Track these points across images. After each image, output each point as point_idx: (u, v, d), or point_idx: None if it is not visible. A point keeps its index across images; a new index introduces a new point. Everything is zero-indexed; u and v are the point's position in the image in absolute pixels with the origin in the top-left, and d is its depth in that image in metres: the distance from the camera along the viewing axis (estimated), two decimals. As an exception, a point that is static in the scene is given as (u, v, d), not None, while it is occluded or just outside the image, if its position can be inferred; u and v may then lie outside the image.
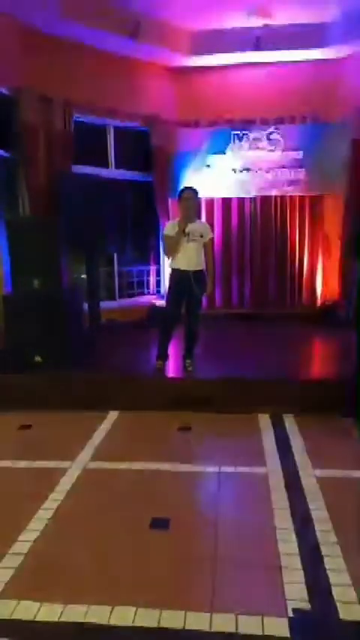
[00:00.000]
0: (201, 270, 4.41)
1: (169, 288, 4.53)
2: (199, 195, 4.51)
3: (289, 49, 6.18)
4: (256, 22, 5.79)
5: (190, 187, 4.44)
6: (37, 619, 1.97)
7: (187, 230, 4.26)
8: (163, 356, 4.56)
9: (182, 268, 4.35)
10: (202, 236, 4.35)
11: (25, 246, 4.54)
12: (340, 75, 6.46)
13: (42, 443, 3.71)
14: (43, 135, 5.66)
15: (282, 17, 5.76)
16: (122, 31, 5.62)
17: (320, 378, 4.60)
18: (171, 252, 4.38)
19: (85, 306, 5.71)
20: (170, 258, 4.45)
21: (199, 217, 6.17)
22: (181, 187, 4.58)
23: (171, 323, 4.51)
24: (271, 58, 6.37)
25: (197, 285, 4.37)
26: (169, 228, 4.39)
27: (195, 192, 4.40)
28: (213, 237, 4.62)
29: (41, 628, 1.93)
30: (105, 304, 6.36)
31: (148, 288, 7.22)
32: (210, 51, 6.29)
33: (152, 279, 7.26)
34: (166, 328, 4.53)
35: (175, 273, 4.41)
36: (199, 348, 4.68)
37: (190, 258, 4.33)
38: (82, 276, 6.38)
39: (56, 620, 1.96)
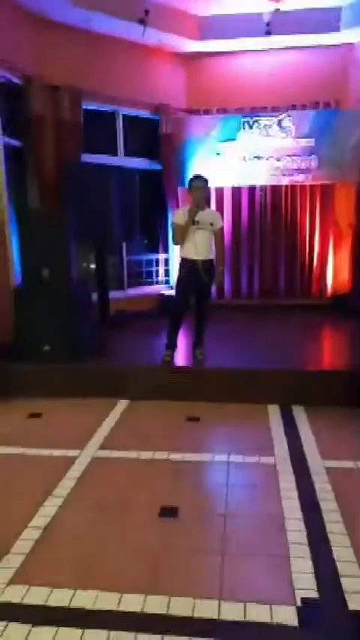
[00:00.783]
0: (210, 260, 4.38)
1: (178, 277, 4.51)
2: (209, 184, 4.47)
3: (300, 34, 6.07)
4: (268, 7, 5.69)
5: (200, 176, 4.40)
6: (47, 604, 2.00)
7: (196, 219, 4.23)
8: (172, 346, 4.54)
9: (191, 257, 4.33)
10: (212, 224, 4.31)
11: (35, 237, 4.54)
12: (352, 61, 6.36)
13: (51, 431, 3.73)
14: (51, 123, 5.63)
15: (293, 2, 5.65)
16: (131, 17, 5.55)
17: (330, 369, 4.57)
18: (179, 240, 4.35)
19: (94, 295, 5.71)
20: (179, 247, 4.42)
21: (209, 206, 6.13)
22: (191, 176, 4.55)
23: (180, 312, 4.49)
24: (282, 43, 6.27)
25: (206, 274, 4.35)
26: (178, 216, 4.36)
27: (205, 180, 4.36)
28: (223, 226, 4.58)
29: (52, 613, 1.95)
30: (114, 294, 6.36)
31: (157, 277, 7.21)
32: (220, 37, 6.21)
33: (161, 269, 7.24)
34: (175, 318, 4.50)
35: (184, 262, 4.39)
36: (209, 338, 4.67)
37: (199, 247, 4.30)
38: (91, 265, 6.38)
39: (66, 605, 1.99)
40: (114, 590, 2.05)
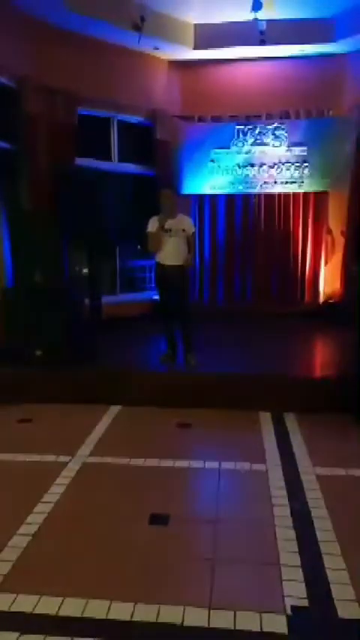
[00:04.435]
0: (181, 265, 4.44)
1: (155, 281, 4.73)
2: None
3: (294, 43, 6.13)
4: (261, 16, 5.73)
5: (168, 185, 4.56)
6: (35, 612, 1.98)
7: (166, 226, 4.32)
8: (170, 346, 4.66)
9: (162, 262, 4.46)
10: (184, 230, 4.41)
11: (27, 240, 4.53)
12: (346, 70, 6.42)
13: (42, 437, 3.71)
14: (46, 127, 5.63)
15: (287, 11, 5.71)
16: (127, 23, 5.58)
17: (322, 376, 4.58)
18: (152, 248, 4.46)
19: (87, 300, 5.69)
20: (153, 252, 4.51)
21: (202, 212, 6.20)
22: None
23: (167, 313, 4.62)
24: (276, 52, 6.32)
25: (177, 277, 4.43)
26: (150, 224, 4.43)
27: (172, 189, 4.56)
28: (195, 231, 4.71)
29: (40, 621, 1.93)
30: (106, 299, 6.35)
31: (150, 283, 7.20)
32: (215, 45, 6.25)
33: (153, 274, 7.22)
34: (165, 318, 4.64)
35: (157, 267, 4.55)
36: (201, 343, 4.67)
37: (170, 252, 4.40)
38: (84, 270, 6.36)
39: (54, 613, 1.96)
40: (103, 598, 2.03)
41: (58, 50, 5.61)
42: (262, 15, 5.62)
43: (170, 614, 1.95)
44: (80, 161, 6.03)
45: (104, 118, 6.40)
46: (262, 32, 5.80)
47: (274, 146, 6.56)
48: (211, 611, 1.96)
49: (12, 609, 1.99)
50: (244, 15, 5.78)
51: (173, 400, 4.17)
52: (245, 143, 6.58)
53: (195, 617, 1.93)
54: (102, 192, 5.68)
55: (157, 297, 6.57)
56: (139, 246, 7.13)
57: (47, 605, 2.00)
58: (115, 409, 4.17)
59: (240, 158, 6.63)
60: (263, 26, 5.70)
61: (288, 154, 6.56)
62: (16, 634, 1.86)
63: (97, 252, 6.06)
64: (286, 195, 6.79)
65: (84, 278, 6.26)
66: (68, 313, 4.62)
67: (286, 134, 6.52)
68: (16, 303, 4.57)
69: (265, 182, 6.67)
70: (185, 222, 4.50)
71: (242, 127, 6.57)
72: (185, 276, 4.57)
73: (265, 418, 3.98)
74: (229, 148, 6.61)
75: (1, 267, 5.08)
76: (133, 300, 6.85)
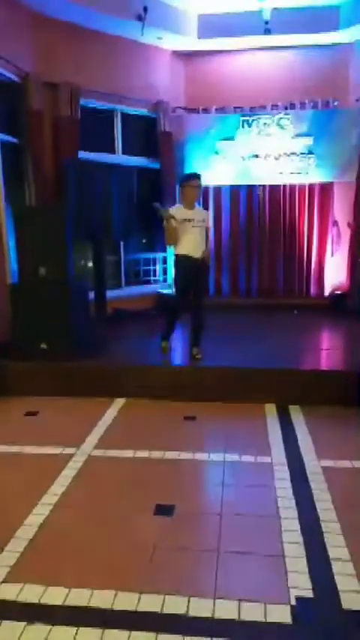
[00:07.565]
0: (203, 256, 4.43)
1: (177, 275, 4.49)
2: (210, 184, 4.52)
3: (300, 33, 6.06)
4: (266, 5, 5.67)
5: (198, 174, 4.46)
6: (41, 602, 2.00)
7: (189, 217, 4.27)
8: (168, 337, 4.66)
9: (189, 254, 4.32)
10: (203, 221, 4.39)
11: (32, 234, 4.53)
12: (352, 59, 6.35)
13: (48, 429, 3.73)
14: (49, 121, 5.63)
15: (293, 0, 5.64)
16: (130, 14, 5.54)
17: (327, 368, 4.57)
18: (172, 238, 4.33)
19: (92, 294, 5.69)
20: (172, 245, 4.42)
21: (206, 204, 6.18)
22: (187, 173, 4.59)
23: (178, 310, 4.56)
24: (281, 42, 6.26)
25: (201, 269, 4.42)
26: (173, 211, 4.34)
27: (200, 179, 4.43)
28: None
29: (45, 611, 1.95)
30: (111, 292, 6.36)
31: (154, 276, 7.20)
32: (219, 35, 6.20)
33: (158, 267, 7.23)
34: (173, 315, 4.59)
35: (183, 259, 4.34)
36: (206, 336, 4.66)
37: (196, 243, 4.32)
38: (89, 263, 6.37)
39: (60, 603, 1.98)
40: (109, 588, 2.05)
41: (62, 43, 5.59)
42: (266, 4, 5.57)
43: (175, 604, 1.96)
44: (84, 154, 6.02)
45: (108, 111, 6.38)
46: (266, 22, 5.75)
47: (279, 137, 6.51)
48: (216, 602, 1.97)
49: (19, 599, 2.01)
50: (249, 4, 5.73)
51: (178, 393, 4.18)
52: (250, 134, 6.54)
53: (200, 607, 1.94)
54: (106, 185, 5.67)
55: (167, 290, 6.62)
56: (144, 240, 7.13)
57: (53, 596, 2.02)
58: (119, 402, 4.19)
59: (245, 149, 6.59)
60: (268, 15, 5.65)
61: (293, 144, 6.51)
62: (23, 623, 1.89)
63: (101, 246, 6.06)
64: (292, 187, 6.75)
65: (89, 272, 6.27)
66: (73, 307, 4.62)
67: (291, 125, 6.47)
68: (21, 297, 4.58)
69: (270, 173, 6.62)
70: (204, 214, 4.50)
71: (247, 117, 6.52)
72: (206, 268, 4.56)
73: (271, 410, 3.98)
74: (233, 139, 6.57)
75: (6, 261, 5.10)
76: (138, 293, 6.85)
